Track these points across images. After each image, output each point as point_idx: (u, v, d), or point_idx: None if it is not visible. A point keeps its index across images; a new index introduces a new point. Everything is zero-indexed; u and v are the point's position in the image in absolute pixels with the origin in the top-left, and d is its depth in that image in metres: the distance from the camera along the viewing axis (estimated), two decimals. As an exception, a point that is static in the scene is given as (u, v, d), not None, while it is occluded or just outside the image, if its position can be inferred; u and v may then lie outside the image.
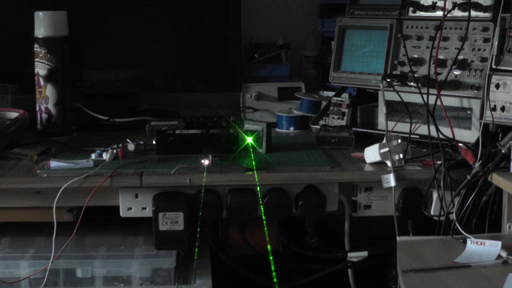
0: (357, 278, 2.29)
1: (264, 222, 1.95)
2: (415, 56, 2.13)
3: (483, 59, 2.01)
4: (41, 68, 2.30)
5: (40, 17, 2.30)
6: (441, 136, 1.95)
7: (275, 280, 1.96)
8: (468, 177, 1.85)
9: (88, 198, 1.88)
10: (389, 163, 1.92)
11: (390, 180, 1.89)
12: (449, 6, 2.07)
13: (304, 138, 2.32)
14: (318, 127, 2.27)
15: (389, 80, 2.10)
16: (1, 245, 2.11)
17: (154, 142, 2.10)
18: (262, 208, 1.94)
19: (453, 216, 1.82)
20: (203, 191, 1.91)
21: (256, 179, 1.89)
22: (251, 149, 2.08)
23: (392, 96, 2.11)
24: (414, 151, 2.03)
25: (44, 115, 2.32)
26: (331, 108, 2.29)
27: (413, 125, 2.01)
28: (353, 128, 2.23)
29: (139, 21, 2.52)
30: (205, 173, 1.89)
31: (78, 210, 1.97)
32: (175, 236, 1.93)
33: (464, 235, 1.74)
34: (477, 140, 1.93)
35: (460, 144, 1.95)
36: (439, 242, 1.77)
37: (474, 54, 2.03)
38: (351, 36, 2.29)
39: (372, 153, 1.97)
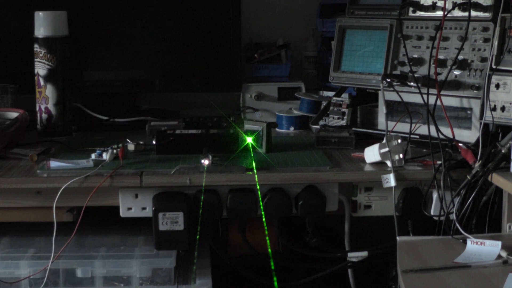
0: (357, 278, 2.29)
1: (264, 222, 1.95)
2: (415, 56, 2.13)
3: (483, 59, 2.01)
4: (41, 68, 2.30)
5: (40, 17, 2.30)
6: (441, 136, 1.95)
7: (275, 280, 1.96)
8: (468, 177, 1.85)
9: (88, 198, 1.88)
10: (389, 163, 1.92)
11: (390, 180, 1.89)
12: (449, 6, 2.07)
13: (304, 138, 2.32)
14: (318, 127, 2.27)
15: (389, 80, 2.10)
16: (1, 245, 2.11)
17: (154, 142, 2.10)
18: (262, 208, 1.94)
19: (453, 216, 1.82)
20: (203, 191, 1.91)
21: (256, 179, 1.89)
22: (251, 149, 2.08)
23: (392, 96, 2.11)
24: (414, 151, 2.03)
25: (44, 115, 2.32)
26: (331, 108, 2.29)
27: (413, 125, 2.01)
28: (353, 128, 2.22)
29: (139, 21, 2.52)
30: (205, 173, 1.89)
31: (78, 210, 1.97)
32: (175, 236, 1.93)
33: (464, 235, 1.74)
34: (477, 140, 1.93)
35: (460, 144, 1.95)
36: (439, 242, 1.77)
37: (474, 54, 2.03)
38: (351, 36, 2.29)
39: (372, 153, 1.97)
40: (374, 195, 2.01)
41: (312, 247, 2.07)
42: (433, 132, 1.95)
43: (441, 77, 2.05)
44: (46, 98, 2.31)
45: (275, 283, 1.97)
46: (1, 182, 1.89)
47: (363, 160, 2.00)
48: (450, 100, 2.06)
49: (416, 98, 2.06)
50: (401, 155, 1.93)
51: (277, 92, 2.58)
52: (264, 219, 1.94)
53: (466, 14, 2.03)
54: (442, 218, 1.88)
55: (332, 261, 2.13)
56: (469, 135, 2.04)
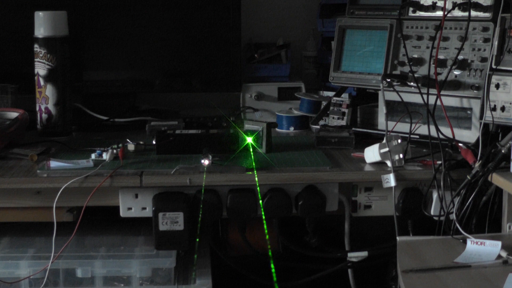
0: (357, 278, 2.29)
1: (264, 222, 1.95)
2: (415, 56, 2.13)
3: (483, 59, 2.01)
4: (41, 68, 2.30)
5: (40, 17, 2.30)
6: (441, 136, 1.95)
7: (275, 280, 1.96)
8: (468, 177, 1.85)
9: (88, 198, 1.88)
10: (389, 163, 1.92)
11: (390, 180, 1.89)
12: (449, 6, 2.07)
13: (304, 138, 2.32)
14: (318, 127, 2.27)
15: (389, 80, 2.10)
16: (1, 245, 2.11)
17: (154, 142, 2.10)
18: (262, 208, 1.94)
19: (453, 216, 1.82)
20: (203, 191, 1.91)
21: (256, 179, 1.89)
22: (251, 149, 2.08)
23: (392, 96, 2.11)
24: (414, 151, 2.03)
25: (44, 115, 2.32)
26: (331, 108, 2.29)
27: (413, 125, 2.01)
28: (353, 128, 2.23)
29: (139, 21, 2.52)
30: (205, 173, 1.89)
31: (78, 210, 1.97)
32: (175, 236, 1.93)
33: (464, 235, 1.74)
34: (477, 140, 1.93)
35: (460, 144, 1.95)
36: (439, 242, 1.77)
37: (474, 54, 2.03)
38: (351, 36, 2.29)
39: (372, 153, 1.97)
40: (374, 195, 2.01)
41: (312, 247, 2.07)
42: (433, 132, 1.95)
43: (441, 77, 2.05)
44: (46, 98, 2.31)
45: (275, 283, 1.97)
46: (1, 182, 1.89)
47: (363, 160, 2.00)
48: (450, 100, 2.06)
49: (416, 98, 2.06)
50: (401, 155, 1.93)
51: (277, 92, 2.58)
52: (264, 219, 1.94)
53: (466, 14, 2.03)
54: (442, 218, 1.88)
55: (332, 261, 2.13)
56: (469, 135, 2.04)
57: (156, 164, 1.99)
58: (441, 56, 2.08)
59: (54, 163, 1.94)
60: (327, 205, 1.97)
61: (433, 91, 1.99)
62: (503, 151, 1.81)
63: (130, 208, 1.97)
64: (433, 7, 2.12)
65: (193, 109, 2.72)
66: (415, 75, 2.06)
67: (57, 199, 1.87)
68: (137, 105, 2.67)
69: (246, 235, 2.06)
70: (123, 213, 1.97)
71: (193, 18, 2.51)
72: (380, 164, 1.97)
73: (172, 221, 1.92)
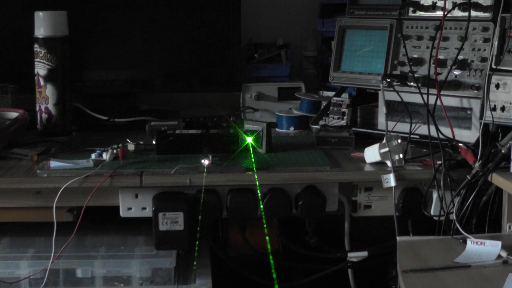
0: (357, 278, 2.29)
1: (264, 222, 1.95)
2: (415, 56, 2.13)
3: (483, 59, 2.01)
4: (41, 68, 2.30)
5: (40, 17, 2.30)
6: (441, 136, 1.95)
7: (275, 280, 1.96)
8: (468, 177, 1.85)
9: (88, 198, 1.88)
10: (389, 163, 1.92)
11: (390, 180, 1.89)
12: (449, 6, 2.07)
13: (304, 138, 2.32)
14: (318, 127, 2.27)
15: (389, 80, 2.10)
16: (1, 245, 2.11)
17: (154, 142, 2.10)
18: (262, 208, 1.94)
19: (453, 216, 1.82)
20: (203, 191, 1.91)
21: (256, 179, 1.89)
22: (251, 149, 2.08)
23: (392, 96, 2.11)
24: (414, 151, 2.03)
25: (44, 115, 2.32)
26: (331, 108, 2.29)
27: (413, 125, 2.01)
28: (353, 128, 2.23)
29: (139, 21, 2.52)
30: (205, 173, 1.89)
31: (78, 210, 1.97)
32: (175, 236, 1.93)
33: (464, 235, 1.74)
34: (477, 140, 1.93)
35: (460, 144, 1.95)
36: (439, 242, 1.77)
37: (474, 54, 2.03)
38: (351, 36, 2.29)
39: (372, 153, 1.97)
40: (374, 195, 2.01)
41: (312, 247, 2.07)
42: (433, 132, 1.95)
43: (441, 77, 2.05)
44: (46, 98, 2.31)
45: (275, 283, 1.97)
46: (1, 182, 1.89)
47: (363, 160, 2.00)
48: (450, 100, 2.06)
49: (416, 98, 2.06)
50: (401, 155, 1.93)
51: (277, 92, 2.58)
52: (264, 219, 1.94)
53: (466, 14, 2.03)
54: (442, 218, 1.88)
55: (332, 261, 2.13)
56: (469, 135, 2.04)
57: (156, 164, 1.99)
58: (441, 56, 2.08)
59: (54, 163, 1.94)
60: (327, 205, 1.97)
61: (433, 91, 1.99)
62: (503, 151, 1.81)
63: (130, 208, 1.97)
64: (433, 7, 2.13)
65: (193, 109, 2.72)
66: (415, 75, 2.06)
67: (57, 199, 1.87)
68: (137, 105, 2.67)
69: (246, 235, 2.06)
70: (123, 213, 1.97)
71: (193, 18, 2.52)
72: (380, 164, 1.97)
73: (172, 221, 1.92)
